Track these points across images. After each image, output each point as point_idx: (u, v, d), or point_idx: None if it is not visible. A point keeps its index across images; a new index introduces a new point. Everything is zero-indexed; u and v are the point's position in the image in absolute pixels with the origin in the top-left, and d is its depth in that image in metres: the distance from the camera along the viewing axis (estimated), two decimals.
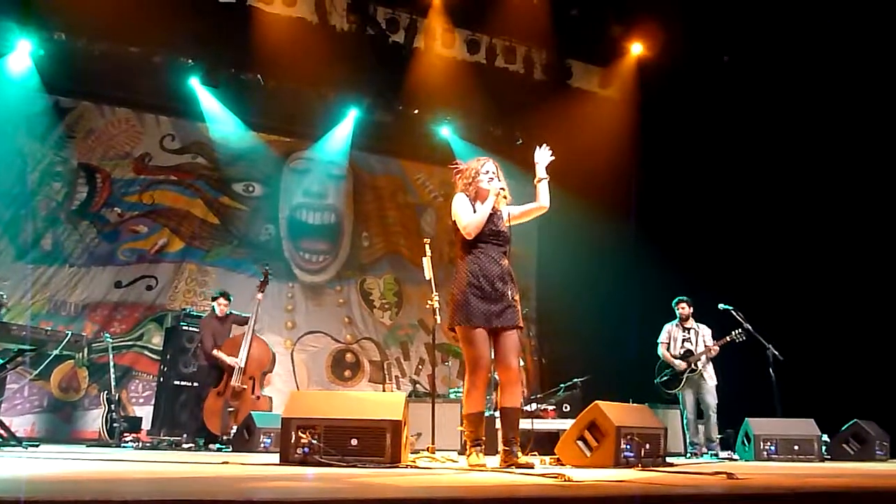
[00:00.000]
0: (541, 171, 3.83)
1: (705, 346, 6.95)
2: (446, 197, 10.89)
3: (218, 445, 6.56)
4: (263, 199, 9.41)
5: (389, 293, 9.97)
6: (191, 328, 7.46)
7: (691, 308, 7.15)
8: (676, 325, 7.15)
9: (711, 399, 6.79)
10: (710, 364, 6.98)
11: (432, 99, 9.36)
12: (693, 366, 6.88)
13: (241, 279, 8.78)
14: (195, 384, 7.16)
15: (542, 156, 3.85)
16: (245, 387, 6.97)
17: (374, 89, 9.17)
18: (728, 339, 6.80)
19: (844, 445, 6.18)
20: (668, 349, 7.09)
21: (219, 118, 8.89)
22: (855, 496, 1.90)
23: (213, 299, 7.24)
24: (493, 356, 3.82)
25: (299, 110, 9.25)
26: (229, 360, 6.95)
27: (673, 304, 7.19)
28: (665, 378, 7.04)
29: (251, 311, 7.18)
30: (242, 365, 6.95)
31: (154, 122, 8.91)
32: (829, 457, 6.16)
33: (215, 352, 6.93)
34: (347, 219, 10.00)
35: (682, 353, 6.98)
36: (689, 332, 7.04)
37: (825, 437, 6.26)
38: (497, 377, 3.72)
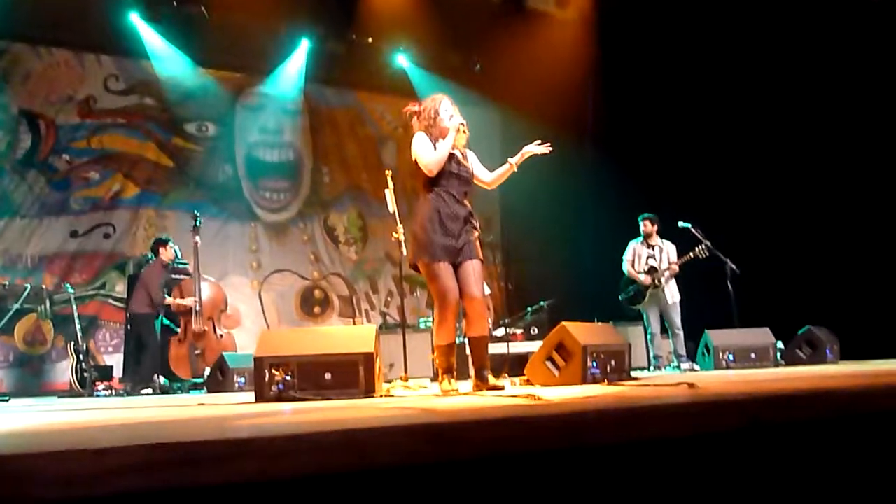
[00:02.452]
0: (516, 159, 3.81)
1: (669, 262, 6.99)
2: (406, 128, 10.78)
3: (191, 388, 6.65)
4: (218, 138, 9.16)
5: (354, 228, 9.96)
6: None
7: (656, 225, 7.15)
8: (641, 243, 7.17)
9: (675, 316, 6.89)
10: (673, 281, 7.02)
11: (387, 27, 9.07)
12: (656, 282, 6.94)
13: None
14: (147, 334, 7.03)
15: (536, 149, 3.80)
16: (206, 328, 7.01)
17: (325, 18, 8.87)
18: (691, 255, 6.88)
19: (798, 351, 6.37)
20: (632, 266, 7.13)
21: (164, 56, 8.54)
22: (808, 397, 1.95)
23: (158, 246, 7.13)
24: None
25: (248, 44, 8.92)
26: (186, 301, 6.97)
27: (638, 221, 7.19)
28: (630, 294, 7.09)
29: (192, 256, 7.17)
30: (199, 308, 6.96)
31: (95, 63, 8.55)
32: (783, 363, 6.38)
33: (168, 300, 6.95)
34: (306, 155, 9.86)
35: (646, 269, 7.02)
36: (653, 250, 7.06)
37: (780, 345, 6.48)
38: (463, 307, 3.80)
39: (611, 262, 7.48)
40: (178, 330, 7.01)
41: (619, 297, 7.20)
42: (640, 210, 7.33)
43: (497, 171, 3.93)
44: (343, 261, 9.83)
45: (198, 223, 7.28)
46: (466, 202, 3.84)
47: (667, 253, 7.07)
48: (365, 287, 9.92)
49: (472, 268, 3.72)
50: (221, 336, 7.01)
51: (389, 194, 4.96)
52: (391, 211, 4.87)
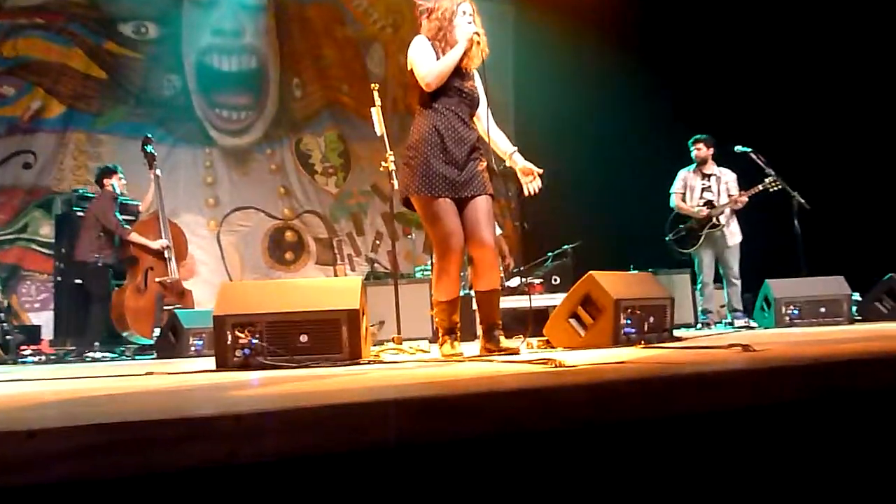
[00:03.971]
0: (511, 161, 3.80)
1: (729, 196, 6.93)
2: (396, 27, 10.40)
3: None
4: (161, 42, 9.02)
5: (333, 154, 9.95)
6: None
7: (712, 149, 7.07)
8: (693, 171, 7.11)
9: (734, 261, 6.90)
10: (735, 219, 7.00)
11: None
12: (714, 220, 6.89)
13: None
14: (80, 281, 7.12)
15: (525, 180, 3.76)
16: (178, 277, 7.02)
17: None
18: (760, 187, 6.79)
19: (877, 304, 6.39)
20: (682, 200, 7.10)
21: None
22: (890, 362, 1.95)
23: (104, 177, 7.07)
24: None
25: None
26: (156, 243, 6.96)
27: (689, 145, 7.14)
28: (680, 235, 7.08)
29: (151, 192, 7.13)
30: (171, 253, 6.97)
31: None
32: (859, 318, 6.39)
33: (133, 235, 6.90)
34: (272, 63, 9.74)
35: (701, 204, 6.98)
36: (709, 180, 7.02)
37: (856, 296, 6.49)
38: (469, 255, 3.84)
39: (651, 195, 7.42)
40: (137, 277, 6.97)
41: (666, 239, 7.20)
42: (690, 132, 7.23)
43: (496, 139, 3.84)
44: (320, 195, 9.83)
45: (149, 148, 7.11)
46: (473, 125, 3.82)
47: (726, 184, 7.02)
48: (348, 228, 9.92)
49: (481, 206, 3.71)
50: (183, 292, 7.14)
51: (376, 112, 4.89)
52: (379, 133, 4.83)
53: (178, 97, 9.13)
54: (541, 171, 3.89)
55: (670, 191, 7.22)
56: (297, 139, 9.81)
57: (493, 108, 3.94)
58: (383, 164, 4.87)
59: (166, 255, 7.06)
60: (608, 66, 8.77)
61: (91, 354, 6.69)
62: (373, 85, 5.13)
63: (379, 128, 4.86)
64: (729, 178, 7.06)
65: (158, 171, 7.21)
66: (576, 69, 8.99)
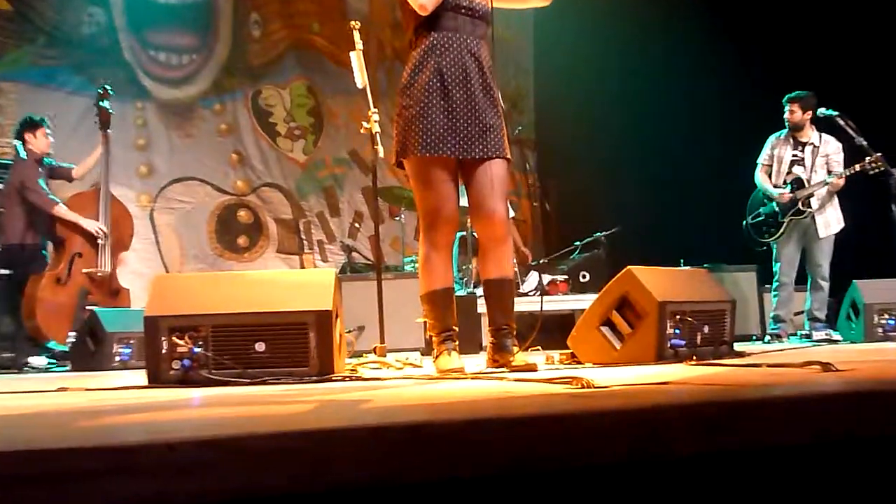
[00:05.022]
0: None
1: (829, 171, 6.93)
2: None
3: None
4: None
5: (301, 111, 9.97)
6: None
7: (809, 112, 6.99)
8: (784, 138, 7.13)
9: (823, 258, 6.90)
10: (835, 202, 6.97)
11: None
12: (803, 204, 6.88)
13: (57, 99, 8.54)
14: (9, 271, 7.14)
15: None
16: (109, 270, 7.02)
17: None
18: (858, 168, 6.77)
19: None
20: (768, 175, 7.12)
21: None
22: None
23: (25, 132, 7.04)
24: (466, 202, 3.95)
25: None
26: (90, 223, 6.94)
27: (783, 104, 7.09)
28: (758, 219, 7.10)
29: (96, 156, 7.15)
30: (107, 239, 7.01)
31: None
32: None
33: (60, 208, 6.88)
34: None
35: (788, 181, 6.98)
36: (802, 150, 7.03)
37: None
38: (475, 234, 3.84)
39: (713, 170, 7.47)
40: (59, 264, 6.94)
41: (744, 224, 7.20)
42: (777, 88, 7.18)
43: None
44: (284, 164, 9.85)
45: (105, 104, 7.10)
46: (484, 55, 3.82)
47: (825, 157, 7.00)
48: (318, 206, 9.99)
49: (494, 171, 3.75)
50: (118, 291, 7.16)
51: (357, 58, 4.88)
52: (360, 85, 4.81)
53: (101, 36, 9.06)
54: None
55: (757, 161, 7.22)
56: (255, 91, 9.82)
57: (506, 59, 3.95)
58: (365, 124, 4.85)
59: (100, 241, 7.02)
60: (665, 10, 8.67)
61: (35, 362, 6.60)
62: (352, 23, 5.11)
63: (360, 78, 4.83)
64: (830, 149, 7.00)
65: (109, 131, 7.11)
66: (619, 12, 8.90)
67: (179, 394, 3.09)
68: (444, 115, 3.69)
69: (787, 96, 7.10)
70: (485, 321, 4.10)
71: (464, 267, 7.15)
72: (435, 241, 3.77)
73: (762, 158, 7.16)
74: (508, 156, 3.84)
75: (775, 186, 7.01)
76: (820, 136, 7.03)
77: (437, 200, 3.73)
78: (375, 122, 4.86)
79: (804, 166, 6.96)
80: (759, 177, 7.14)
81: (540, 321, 4.34)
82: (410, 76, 3.79)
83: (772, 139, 7.18)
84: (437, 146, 3.68)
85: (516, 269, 7.24)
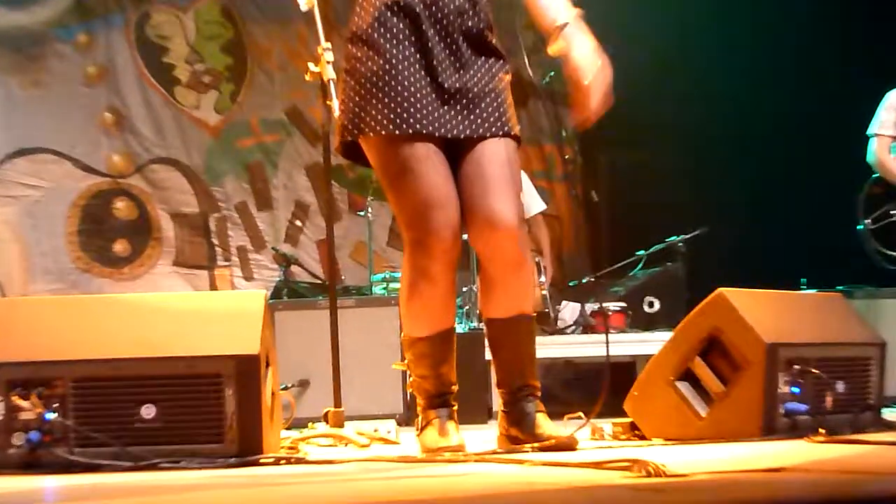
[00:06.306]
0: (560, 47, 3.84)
1: None
2: None
3: None
4: None
5: (212, 47, 10.19)
6: None
7: None
8: None
9: None
10: None
11: None
12: None
13: None
14: None
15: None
16: None
17: None
18: None
19: None
20: (889, 150, 7.40)
21: None
22: None
23: None
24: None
25: None
26: None
27: None
28: (887, 220, 7.42)
29: None
30: None
31: None
32: None
33: None
34: None
35: None
36: None
37: None
38: (473, 247, 3.82)
39: (843, 149, 7.66)
40: None
41: (859, 227, 7.42)
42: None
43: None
44: (186, 129, 10.07)
45: None
46: None
47: None
48: (239, 194, 10.16)
49: (493, 154, 3.75)
50: None
51: None
52: (304, 6, 4.79)
53: None
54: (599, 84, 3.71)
55: (868, 132, 7.45)
56: (141, 15, 9.94)
57: None
58: (313, 67, 4.79)
59: None
60: None
61: None
62: None
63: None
64: None
65: None
66: None
67: (21, 484, 3.07)
68: (412, 73, 3.72)
69: None
70: (494, 371, 3.96)
71: (464, 290, 7.16)
72: (424, 264, 3.74)
73: (879, 126, 7.38)
74: (515, 130, 3.79)
75: None
76: None
77: (419, 205, 3.68)
78: (329, 63, 4.76)
79: None
80: (878, 153, 7.36)
81: (588, 378, 4.33)
82: (361, 15, 3.80)
83: (891, 96, 7.43)
84: (404, 119, 3.68)
85: (544, 294, 7.24)
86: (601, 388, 3.98)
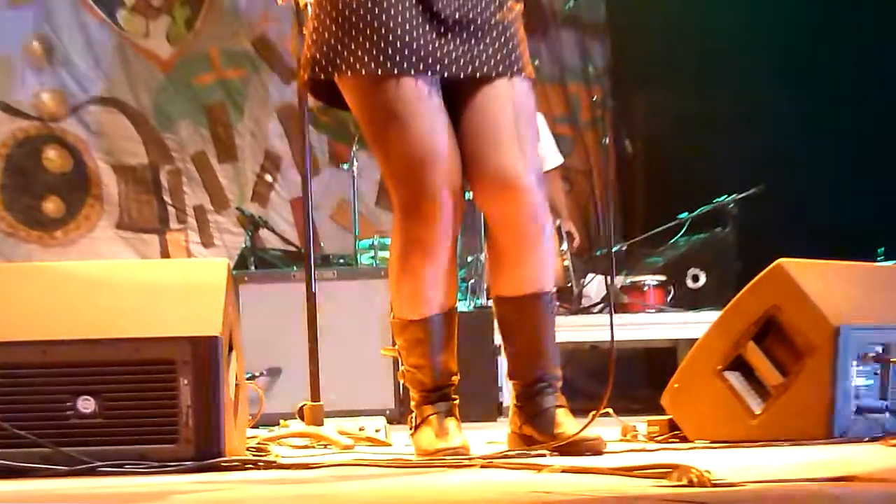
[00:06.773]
0: None
1: None
2: None
3: None
4: None
5: None
6: None
7: None
8: None
9: None
10: None
11: None
12: None
13: None
14: None
15: None
16: None
17: None
18: None
19: None
20: None
21: None
22: None
23: None
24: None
25: None
26: None
27: None
28: None
29: None
30: None
31: None
32: None
33: None
34: None
35: None
36: None
37: None
38: (479, 208, 3.77)
39: None
40: None
41: None
42: None
43: None
44: (132, 62, 10.41)
45: None
46: None
47: None
48: (196, 143, 10.41)
49: (499, 100, 3.77)
50: None
51: None
52: None
53: None
54: None
55: None
56: None
57: None
58: None
59: None
60: None
61: None
62: None
63: None
64: None
65: None
66: None
67: None
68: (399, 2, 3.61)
69: None
70: (505, 358, 3.85)
71: (469, 259, 7.13)
72: (417, 232, 3.74)
73: None
74: (528, 70, 3.77)
75: None
76: None
77: (411, 159, 3.72)
78: None
79: None
80: None
81: (611, 371, 4.24)
82: None
83: None
84: (391, 57, 3.74)
85: (566, 265, 7.19)
86: (608, 374, 3.92)
